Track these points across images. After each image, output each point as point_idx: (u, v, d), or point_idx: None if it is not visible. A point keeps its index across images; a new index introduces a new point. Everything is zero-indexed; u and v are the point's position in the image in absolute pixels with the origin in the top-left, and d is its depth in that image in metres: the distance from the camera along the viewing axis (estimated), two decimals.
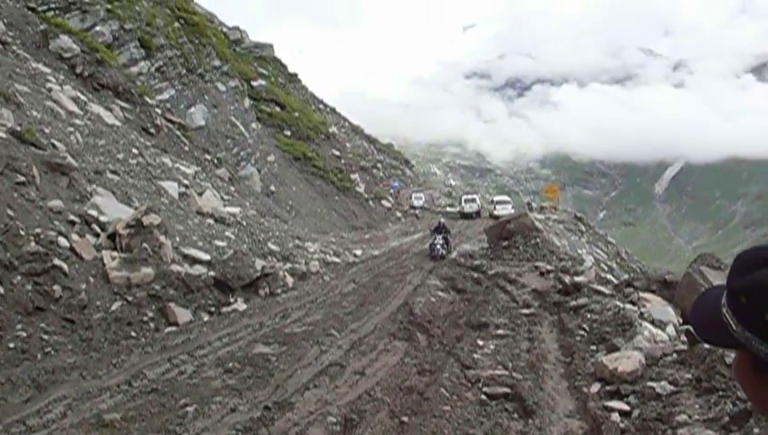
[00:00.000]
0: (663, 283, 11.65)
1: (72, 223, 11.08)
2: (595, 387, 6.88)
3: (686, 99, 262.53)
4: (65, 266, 9.54)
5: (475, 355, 8.58)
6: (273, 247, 18.19)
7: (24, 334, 8.12)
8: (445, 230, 21.17)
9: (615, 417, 5.95)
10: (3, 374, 7.22)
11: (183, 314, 10.63)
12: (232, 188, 26.01)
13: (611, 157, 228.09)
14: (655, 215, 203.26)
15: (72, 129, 15.86)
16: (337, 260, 21.12)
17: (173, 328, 10.14)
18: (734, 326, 1.15)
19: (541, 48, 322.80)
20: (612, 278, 17.45)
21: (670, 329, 9.01)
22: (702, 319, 1.25)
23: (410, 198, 52.80)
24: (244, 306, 11.90)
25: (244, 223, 19.37)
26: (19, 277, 8.78)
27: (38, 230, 9.85)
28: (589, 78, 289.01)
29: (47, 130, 14.12)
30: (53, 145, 13.37)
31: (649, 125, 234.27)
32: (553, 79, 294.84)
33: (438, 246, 20.19)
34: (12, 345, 7.83)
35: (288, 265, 16.25)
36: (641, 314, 9.54)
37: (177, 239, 13.47)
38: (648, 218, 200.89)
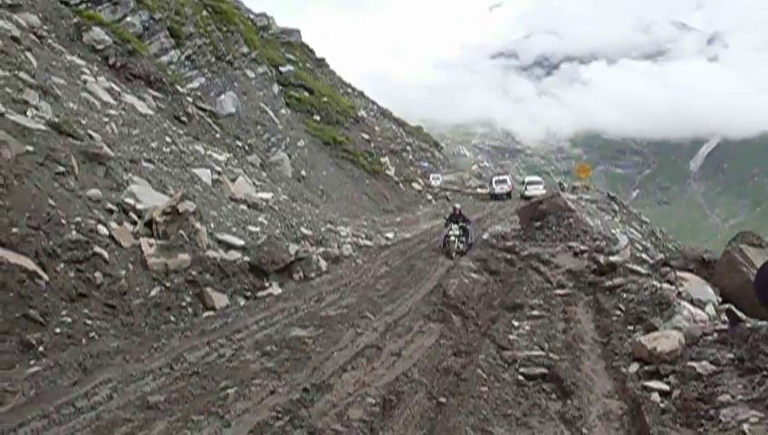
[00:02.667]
0: (701, 262, 11.42)
1: (111, 211, 11.33)
2: (633, 367, 6.82)
3: (720, 73, 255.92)
4: (105, 254, 9.78)
5: (511, 336, 8.56)
6: (306, 232, 18.33)
7: (69, 320, 8.36)
8: (462, 219, 17.84)
9: (655, 397, 5.89)
10: (51, 358, 7.47)
11: (220, 299, 10.82)
12: (263, 174, 26.25)
13: (644, 134, 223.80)
14: (690, 193, 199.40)
15: (107, 119, 16.13)
16: (369, 243, 21.22)
17: (210, 313, 10.34)
18: None
19: (568, 26, 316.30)
20: (647, 258, 17.17)
21: (710, 308, 8.86)
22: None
23: (429, 178, 53.27)
24: (279, 290, 12.07)
25: (277, 208, 19.54)
26: (62, 265, 9.03)
27: (78, 219, 10.09)
28: (618, 54, 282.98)
29: (83, 122, 14.39)
30: (90, 136, 13.62)
31: (683, 101, 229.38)
32: (582, 56, 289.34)
33: (453, 238, 16.77)
34: (58, 330, 8.08)
35: (321, 249, 16.39)
36: (679, 293, 9.39)
37: (212, 225, 13.67)
38: (682, 197, 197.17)
